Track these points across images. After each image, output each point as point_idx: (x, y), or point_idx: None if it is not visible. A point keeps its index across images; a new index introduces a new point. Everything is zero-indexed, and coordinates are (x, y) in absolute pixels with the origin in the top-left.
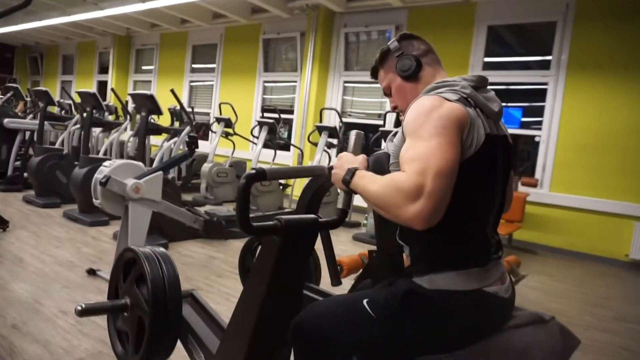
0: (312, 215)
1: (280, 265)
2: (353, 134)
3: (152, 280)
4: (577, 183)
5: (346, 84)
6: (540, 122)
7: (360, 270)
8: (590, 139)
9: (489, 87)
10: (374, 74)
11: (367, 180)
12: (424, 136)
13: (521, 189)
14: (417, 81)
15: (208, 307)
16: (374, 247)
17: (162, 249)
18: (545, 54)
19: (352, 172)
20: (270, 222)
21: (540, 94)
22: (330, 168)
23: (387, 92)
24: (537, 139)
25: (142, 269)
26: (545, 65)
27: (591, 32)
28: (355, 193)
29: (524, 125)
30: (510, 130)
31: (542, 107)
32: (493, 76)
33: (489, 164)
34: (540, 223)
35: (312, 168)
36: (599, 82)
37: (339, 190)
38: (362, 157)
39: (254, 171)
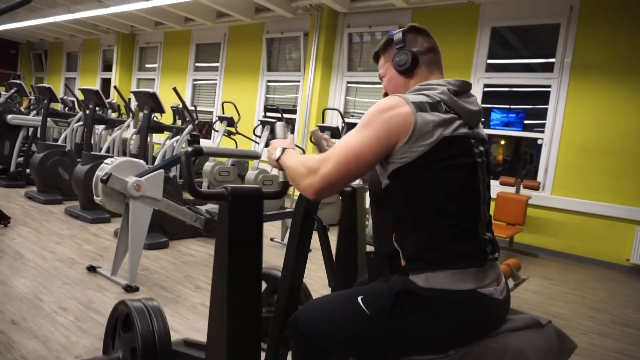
0: (256, 186)
1: (235, 227)
2: (278, 125)
3: (142, 335)
4: (579, 186)
5: (349, 85)
6: (542, 125)
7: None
8: (593, 142)
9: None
10: (376, 59)
11: (289, 157)
12: (359, 129)
13: (523, 192)
14: (410, 77)
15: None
16: (372, 249)
17: (154, 303)
18: (549, 56)
19: (282, 150)
20: (218, 190)
21: (544, 97)
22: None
23: (382, 79)
24: (539, 141)
25: (132, 324)
26: (548, 68)
27: (595, 34)
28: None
29: (526, 128)
30: (512, 133)
31: (545, 110)
32: (496, 78)
33: (469, 161)
34: (542, 226)
35: (248, 151)
36: (602, 85)
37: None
38: (290, 138)
39: (192, 148)
